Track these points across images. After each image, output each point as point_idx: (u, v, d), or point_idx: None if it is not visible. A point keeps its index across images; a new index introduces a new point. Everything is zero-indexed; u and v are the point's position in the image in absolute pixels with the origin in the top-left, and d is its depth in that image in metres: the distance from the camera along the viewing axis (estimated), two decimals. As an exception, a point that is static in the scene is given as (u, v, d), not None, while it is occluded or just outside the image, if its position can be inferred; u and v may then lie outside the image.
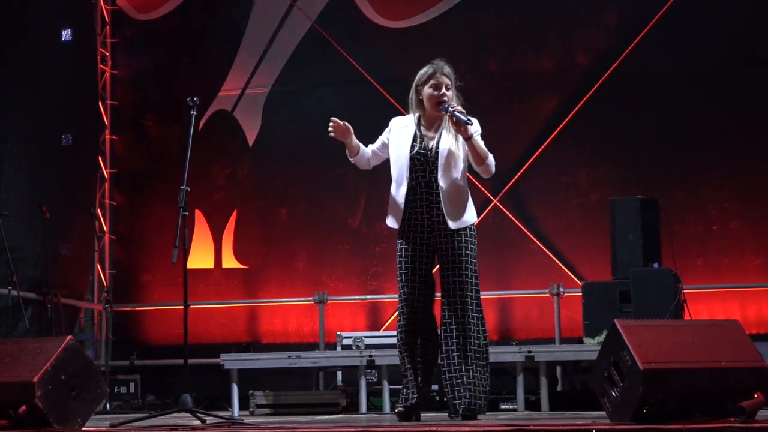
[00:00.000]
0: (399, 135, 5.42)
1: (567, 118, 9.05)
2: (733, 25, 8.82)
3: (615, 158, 9.00)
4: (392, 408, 6.56)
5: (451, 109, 5.19)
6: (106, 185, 9.98)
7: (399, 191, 5.34)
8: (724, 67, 8.79)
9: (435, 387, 6.39)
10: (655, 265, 7.46)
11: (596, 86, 8.98)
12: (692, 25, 8.86)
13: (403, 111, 6.21)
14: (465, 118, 5.14)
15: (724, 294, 8.58)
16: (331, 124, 5.40)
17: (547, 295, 8.54)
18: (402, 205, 5.32)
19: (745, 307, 8.51)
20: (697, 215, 8.78)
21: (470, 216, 5.36)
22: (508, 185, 9.03)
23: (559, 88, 9.20)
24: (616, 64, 8.94)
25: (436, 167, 5.29)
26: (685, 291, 7.33)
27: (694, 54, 8.86)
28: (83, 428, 4.80)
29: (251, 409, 7.29)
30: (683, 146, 8.86)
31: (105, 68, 10.10)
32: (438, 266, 5.39)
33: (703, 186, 8.83)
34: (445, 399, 5.41)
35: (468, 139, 5.21)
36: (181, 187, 5.46)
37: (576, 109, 9.03)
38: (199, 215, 9.67)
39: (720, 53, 8.80)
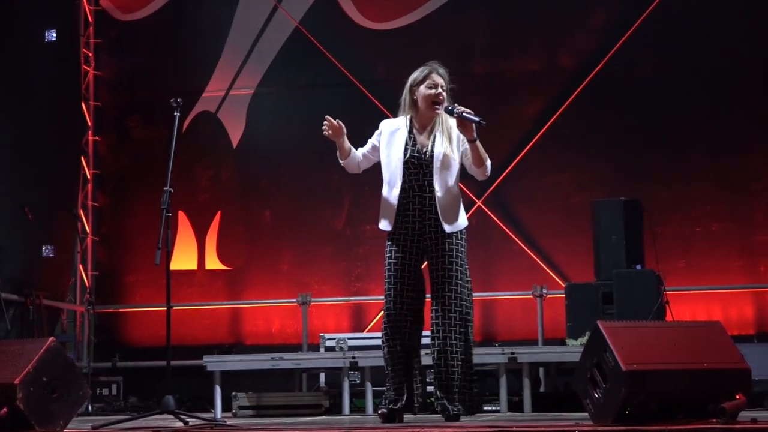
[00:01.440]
0: (390, 138, 5.39)
1: (551, 120, 9.07)
2: (717, 27, 8.85)
3: (599, 160, 9.02)
4: (375, 409, 6.55)
5: (457, 111, 5.17)
6: (89, 186, 9.94)
7: (392, 194, 5.32)
8: (707, 70, 8.83)
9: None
10: (638, 267, 7.48)
11: (580, 88, 9.00)
12: (677, 27, 8.90)
13: (388, 113, 6.21)
14: (477, 118, 5.12)
15: (707, 295, 8.62)
16: (325, 122, 5.38)
17: (531, 296, 8.55)
18: (395, 208, 5.30)
19: (727, 308, 8.54)
20: (680, 217, 8.80)
21: (463, 220, 5.37)
22: (492, 187, 9.03)
23: (543, 90, 9.22)
24: (600, 67, 8.97)
25: (431, 171, 5.28)
26: (667, 292, 7.34)
27: (678, 56, 8.90)
28: (65, 430, 4.78)
29: (234, 411, 7.28)
30: (667, 148, 8.90)
31: (88, 69, 10.05)
32: (427, 269, 5.38)
33: (686, 188, 8.87)
34: (432, 400, 5.41)
35: (473, 140, 5.20)
36: (165, 188, 5.45)
37: (560, 111, 9.05)
38: (182, 216, 9.64)
39: (704, 55, 8.84)
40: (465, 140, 5.25)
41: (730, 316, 8.45)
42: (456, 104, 5.24)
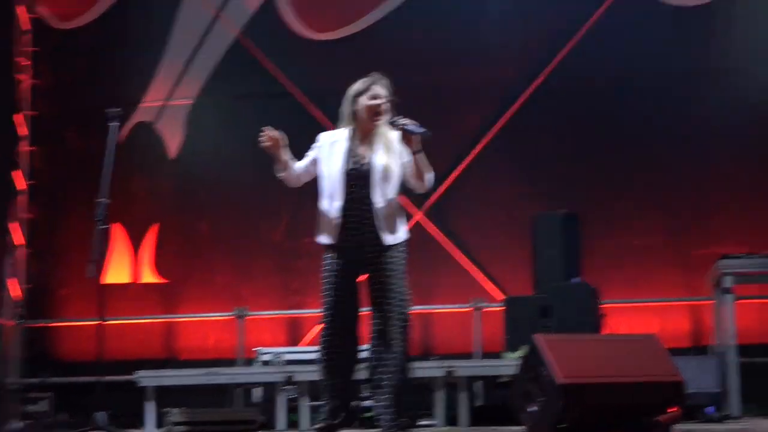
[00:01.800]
0: (330, 150, 5.33)
1: (491, 133, 9.10)
2: (657, 42, 8.95)
3: (538, 174, 9.05)
4: (312, 424, 6.49)
5: (400, 122, 5.13)
6: (23, 198, 9.75)
7: (332, 206, 5.25)
8: (646, 83, 8.92)
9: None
10: (575, 280, 7.52)
11: (521, 101, 9.04)
12: (615, 41, 8.98)
13: (330, 124, 6.16)
14: (421, 130, 5.09)
15: (644, 308, 8.68)
16: (263, 134, 5.31)
17: (470, 308, 8.54)
18: (338, 221, 5.24)
19: (664, 321, 8.61)
20: (618, 230, 8.86)
21: (403, 232, 5.31)
22: (432, 199, 9.03)
23: (483, 103, 9.24)
24: (540, 80, 9.02)
25: (370, 183, 5.23)
26: (605, 305, 7.39)
27: (616, 70, 8.97)
28: (-10, 448, 4.65)
29: (167, 427, 7.16)
30: (605, 162, 8.96)
31: (24, 78, 9.88)
32: (367, 282, 5.33)
33: (624, 201, 8.93)
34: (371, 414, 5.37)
35: (416, 152, 5.16)
36: (99, 199, 5.37)
37: (500, 123, 9.08)
38: (119, 228, 9.48)
39: (642, 69, 8.93)
40: (406, 152, 5.23)
41: (666, 329, 8.51)
42: (400, 116, 5.21)
